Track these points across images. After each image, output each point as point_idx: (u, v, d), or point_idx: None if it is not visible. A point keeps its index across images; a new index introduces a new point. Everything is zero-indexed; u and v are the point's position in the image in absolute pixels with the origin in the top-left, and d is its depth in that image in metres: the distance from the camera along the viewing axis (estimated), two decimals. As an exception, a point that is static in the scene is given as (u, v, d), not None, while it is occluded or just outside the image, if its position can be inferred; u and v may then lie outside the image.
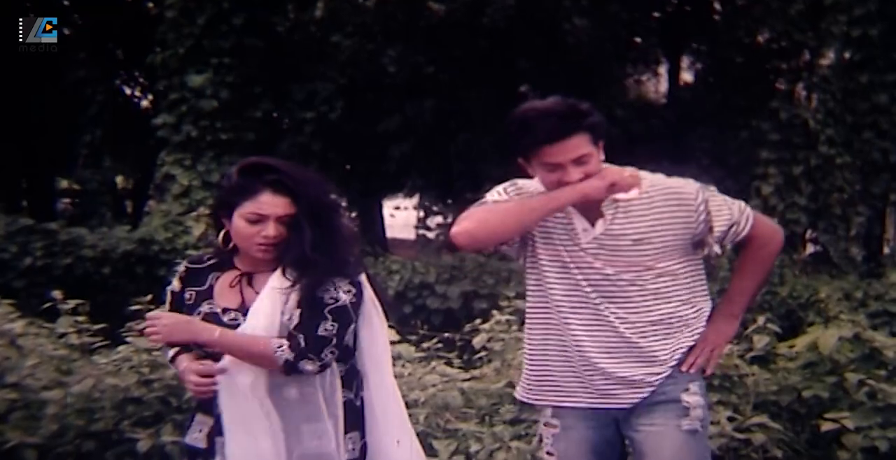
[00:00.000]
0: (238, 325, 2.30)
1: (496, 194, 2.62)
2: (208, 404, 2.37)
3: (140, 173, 16.91)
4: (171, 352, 2.51)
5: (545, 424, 2.71)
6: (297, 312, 2.31)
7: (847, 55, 10.76)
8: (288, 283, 2.31)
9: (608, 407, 2.60)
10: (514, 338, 4.27)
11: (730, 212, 2.60)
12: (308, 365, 2.25)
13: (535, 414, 2.81)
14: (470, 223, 2.51)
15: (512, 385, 3.64)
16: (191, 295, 2.41)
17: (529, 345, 2.71)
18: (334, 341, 2.28)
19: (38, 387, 3.91)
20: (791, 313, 9.41)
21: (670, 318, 2.59)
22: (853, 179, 10.79)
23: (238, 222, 2.32)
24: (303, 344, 2.26)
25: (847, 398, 3.73)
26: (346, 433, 2.36)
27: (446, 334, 5.09)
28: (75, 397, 3.83)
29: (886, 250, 11.44)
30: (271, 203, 2.30)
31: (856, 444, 3.53)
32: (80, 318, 4.33)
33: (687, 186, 2.60)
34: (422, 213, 14.84)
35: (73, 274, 10.67)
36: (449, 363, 4.46)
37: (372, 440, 2.42)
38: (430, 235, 14.48)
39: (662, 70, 17.81)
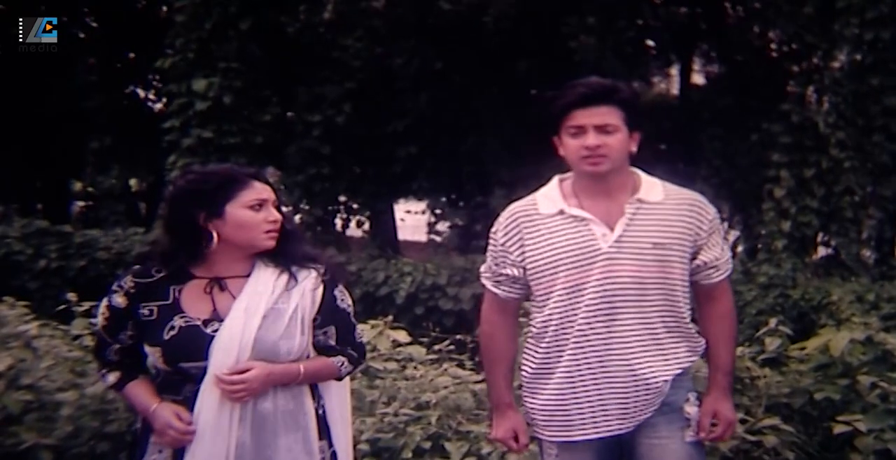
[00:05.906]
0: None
1: (493, 238, 2.68)
2: None
3: (153, 176, 16.97)
4: (113, 378, 2.40)
5: (548, 454, 2.68)
6: (332, 328, 2.36)
7: (858, 58, 10.72)
8: (281, 286, 2.30)
9: (622, 432, 2.56)
10: (525, 339, 4.26)
11: (721, 252, 2.60)
12: (356, 369, 2.44)
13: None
14: (481, 336, 2.87)
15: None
16: (151, 310, 2.27)
17: (552, 383, 2.65)
18: (365, 342, 2.41)
19: (53, 389, 3.91)
20: (803, 315, 9.38)
21: (679, 326, 2.59)
22: (864, 182, 10.74)
23: (241, 213, 2.25)
24: (355, 354, 2.39)
25: (859, 400, 3.72)
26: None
27: (458, 336, 5.09)
28: (90, 398, 3.84)
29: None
30: (265, 188, 2.30)
31: (868, 447, 3.51)
32: (95, 320, 4.34)
33: (706, 203, 2.61)
34: (432, 218, 14.84)
35: (87, 275, 10.74)
36: (461, 365, 4.46)
37: (338, 448, 2.42)
38: (440, 239, 14.50)
39: (674, 71, 17.78)
